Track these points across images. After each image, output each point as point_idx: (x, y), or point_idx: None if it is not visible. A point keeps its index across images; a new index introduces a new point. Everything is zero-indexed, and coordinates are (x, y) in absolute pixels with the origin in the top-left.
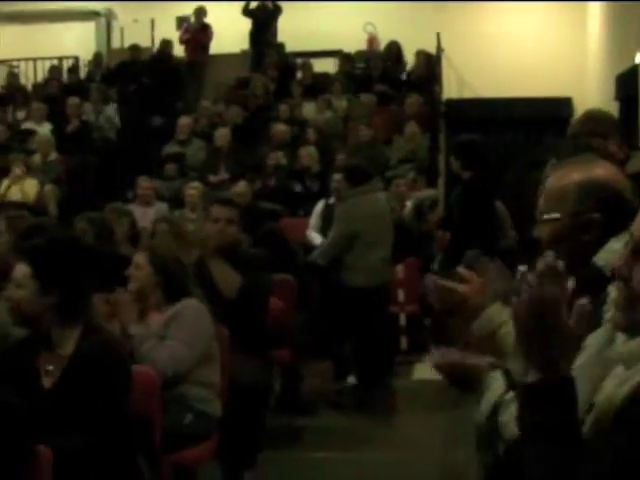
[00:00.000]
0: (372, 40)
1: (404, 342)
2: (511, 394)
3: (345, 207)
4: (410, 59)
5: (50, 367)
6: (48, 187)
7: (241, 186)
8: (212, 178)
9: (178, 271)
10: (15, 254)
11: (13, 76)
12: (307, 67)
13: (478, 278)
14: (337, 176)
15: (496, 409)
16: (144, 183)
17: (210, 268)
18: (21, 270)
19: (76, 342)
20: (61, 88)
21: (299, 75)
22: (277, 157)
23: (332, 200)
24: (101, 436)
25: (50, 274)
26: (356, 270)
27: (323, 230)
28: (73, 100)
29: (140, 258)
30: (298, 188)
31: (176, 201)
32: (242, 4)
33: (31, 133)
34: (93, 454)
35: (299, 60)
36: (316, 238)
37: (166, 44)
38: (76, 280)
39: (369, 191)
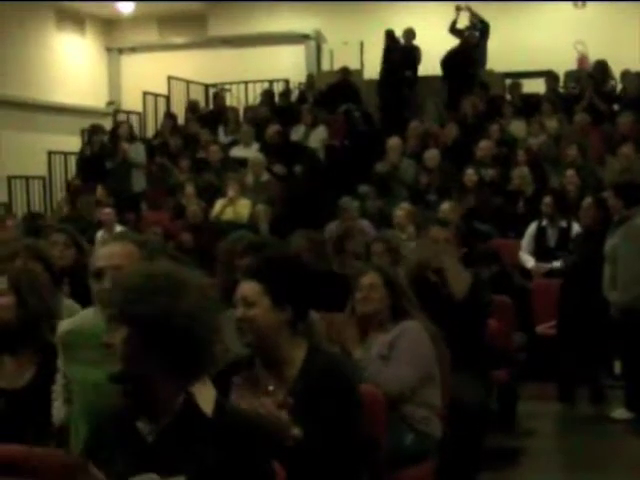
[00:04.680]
0: (583, 59)
1: None
2: None
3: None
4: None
5: (271, 387)
6: (260, 207)
7: (447, 205)
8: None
9: (403, 291)
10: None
11: (220, 98)
12: (516, 88)
13: None
14: (547, 199)
15: None
16: (346, 206)
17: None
18: (251, 288)
19: (301, 362)
20: (272, 111)
21: (508, 96)
22: (471, 174)
23: (544, 222)
24: (330, 458)
25: (282, 289)
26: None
27: (536, 253)
28: (273, 128)
29: (375, 279)
30: (510, 208)
31: (381, 220)
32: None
33: (242, 162)
34: (321, 474)
35: (508, 80)
36: (529, 261)
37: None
38: (305, 295)
39: None
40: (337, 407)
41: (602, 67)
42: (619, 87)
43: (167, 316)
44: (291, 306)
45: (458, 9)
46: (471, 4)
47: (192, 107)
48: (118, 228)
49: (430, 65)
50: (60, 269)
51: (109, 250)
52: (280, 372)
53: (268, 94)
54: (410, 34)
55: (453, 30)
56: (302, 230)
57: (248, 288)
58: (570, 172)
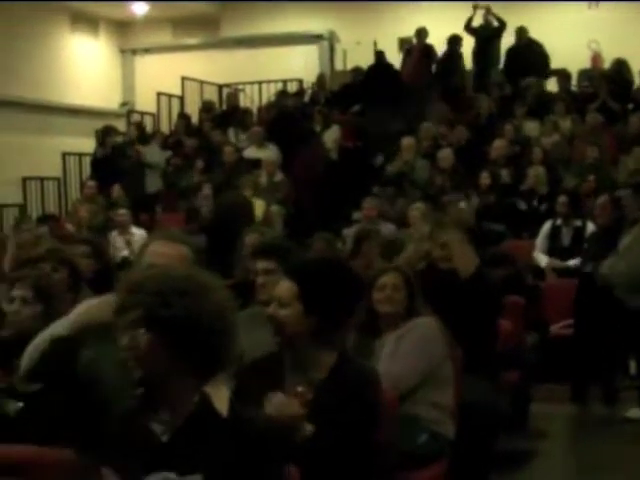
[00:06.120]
0: (596, 58)
1: None
2: None
3: None
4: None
5: (300, 388)
6: (274, 207)
7: (461, 206)
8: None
9: (418, 292)
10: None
11: (234, 98)
12: (528, 86)
13: None
14: (562, 198)
15: None
16: (368, 204)
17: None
18: (287, 289)
19: (330, 368)
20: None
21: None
22: (486, 176)
23: (559, 222)
24: (347, 463)
25: (315, 297)
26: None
27: (550, 252)
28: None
29: (397, 279)
30: (523, 206)
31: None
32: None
33: (255, 162)
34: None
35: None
36: (543, 260)
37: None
38: (339, 304)
39: None
40: (359, 415)
41: (620, 66)
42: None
43: (193, 318)
44: (321, 314)
45: (475, 7)
46: (485, 3)
47: (207, 107)
48: (133, 230)
49: None
50: None
51: (163, 249)
52: (307, 374)
53: (283, 95)
54: (423, 33)
55: (468, 28)
56: (320, 232)
57: (285, 288)
58: (591, 177)
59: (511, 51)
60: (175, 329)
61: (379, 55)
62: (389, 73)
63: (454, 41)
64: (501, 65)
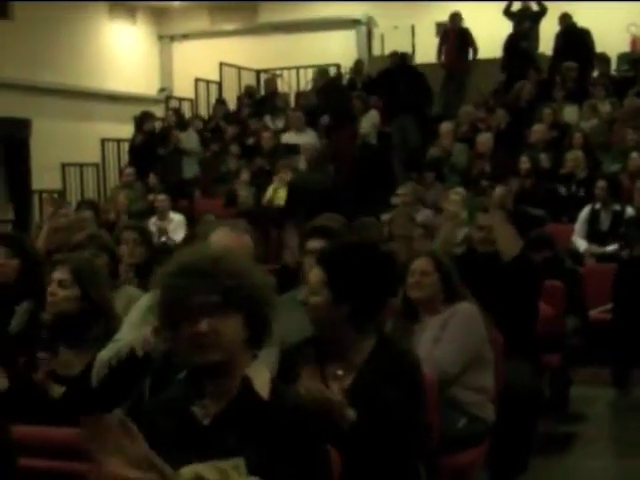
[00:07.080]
0: (635, 41)
1: None
2: None
3: None
4: None
5: (340, 372)
6: None
7: (501, 190)
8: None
9: (455, 274)
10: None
11: (272, 83)
12: (568, 70)
13: None
14: (601, 183)
15: None
16: (404, 189)
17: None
18: (316, 276)
19: (369, 351)
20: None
21: (559, 79)
22: (526, 160)
23: (598, 206)
24: (389, 447)
25: (343, 285)
26: None
27: (589, 236)
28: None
29: (427, 265)
30: (563, 191)
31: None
32: (501, 8)
33: (294, 147)
34: (378, 462)
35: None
36: (582, 244)
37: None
38: (371, 290)
39: None
40: (401, 396)
41: None
42: None
43: (260, 295)
44: (352, 301)
45: None
46: None
47: (248, 93)
48: (171, 215)
49: (482, 49)
50: (129, 267)
51: (228, 239)
52: (346, 358)
53: (320, 80)
54: (457, 18)
55: (507, 13)
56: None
57: (314, 275)
58: (634, 154)
59: (561, 36)
60: (249, 307)
61: (403, 57)
62: (412, 75)
63: (521, 19)
64: (550, 50)
